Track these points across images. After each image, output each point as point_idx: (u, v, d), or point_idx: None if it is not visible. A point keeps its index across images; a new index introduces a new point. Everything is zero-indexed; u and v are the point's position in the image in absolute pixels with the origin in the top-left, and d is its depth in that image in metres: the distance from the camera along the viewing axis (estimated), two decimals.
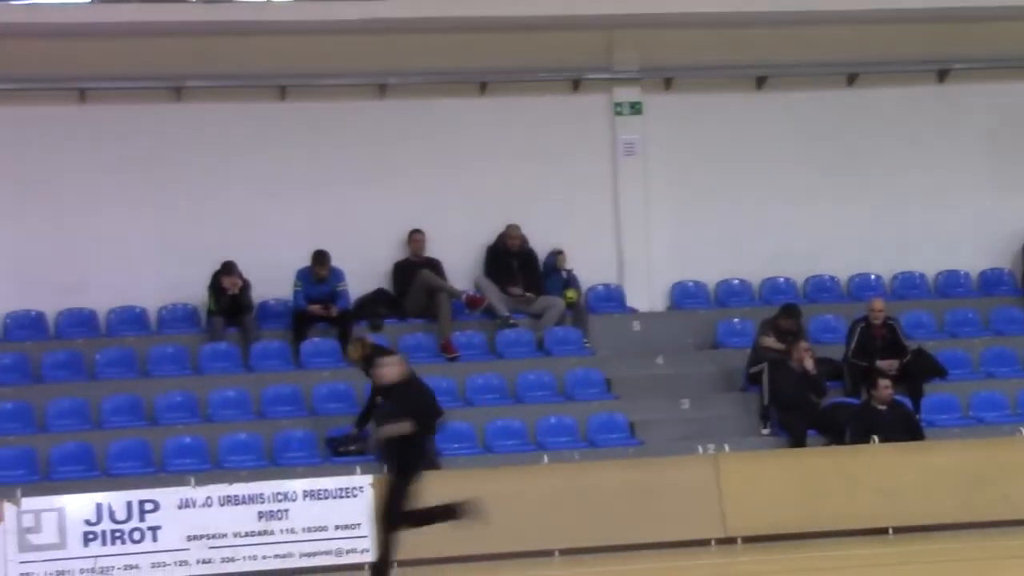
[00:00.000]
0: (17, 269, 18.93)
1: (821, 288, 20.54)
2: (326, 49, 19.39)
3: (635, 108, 20.17)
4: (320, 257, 18.87)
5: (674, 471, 16.94)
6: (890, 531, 16.81)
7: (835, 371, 19.04)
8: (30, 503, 15.82)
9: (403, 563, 15.75)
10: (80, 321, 19.05)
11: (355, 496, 16.19)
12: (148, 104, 19.29)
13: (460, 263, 19.57)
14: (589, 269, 19.95)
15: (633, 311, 20.08)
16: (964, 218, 20.58)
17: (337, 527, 16.16)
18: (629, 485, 16.69)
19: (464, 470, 17.23)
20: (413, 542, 15.40)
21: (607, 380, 19.03)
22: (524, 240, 19.67)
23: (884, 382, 18.05)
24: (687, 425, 18.48)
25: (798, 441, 18.10)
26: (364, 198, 19.60)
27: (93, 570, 15.72)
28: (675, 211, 20.26)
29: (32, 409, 17.96)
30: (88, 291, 18.95)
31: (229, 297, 18.69)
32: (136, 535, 15.82)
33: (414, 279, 19.28)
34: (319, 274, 18.86)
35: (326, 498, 16.18)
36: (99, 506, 15.91)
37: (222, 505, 16.02)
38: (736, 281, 20.41)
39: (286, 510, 16.07)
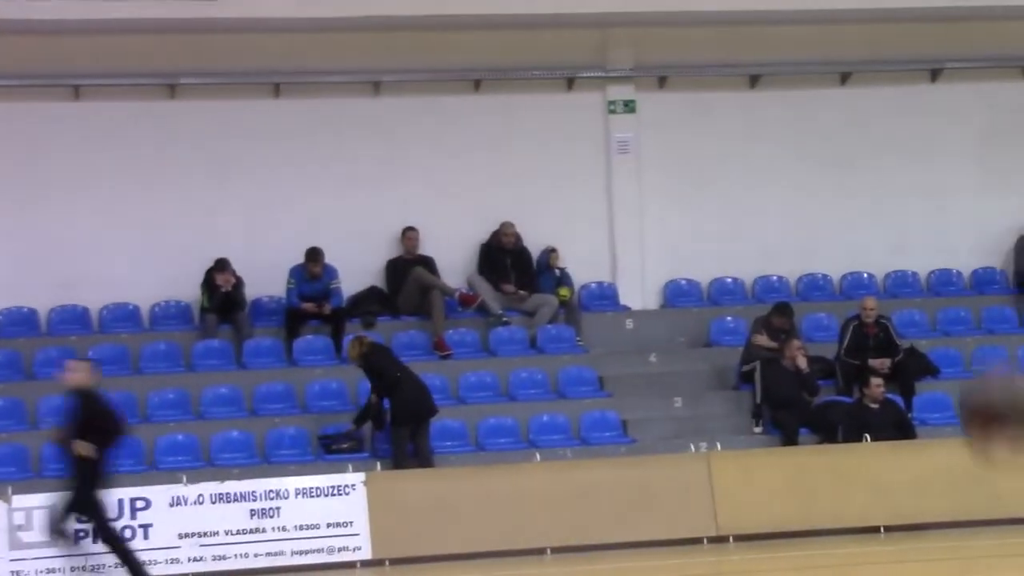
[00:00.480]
0: (10, 265, 18.79)
1: (814, 286, 20.49)
2: (321, 46, 19.26)
3: (629, 106, 20.10)
4: (313, 254, 18.79)
5: (666, 469, 16.94)
6: (882, 529, 16.76)
7: (827, 369, 18.98)
8: (21, 500, 15.72)
9: (395, 561, 16.13)
10: (73, 318, 18.93)
11: (347, 494, 16.19)
12: (142, 101, 19.18)
13: (453, 261, 19.51)
14: (582, 267, 19.88)
15: (626, 309, 20.03)
16: (957, 217, 20.51)
17: (329, 525, 16.11)
18: (621, 483, 16.68)
19: (457, 468, 17.25)
20: (404, 540, 16.02)
21: (600, 378, 18.96)
22: (518, 238, 19.58)
23: (876, 380, 18.00)
24: (680, 423, 18.43)
25: (790, 439, 18.09)
26: (358, 195, 19.50)
27: (84, 568, 15.58)
28: (668, 209, 20.17)
29: (24, 406, 17.82)
30: (81, 288, 18.85)
31: (222, 294, 18.58)
32: (127, 533, 15.65)
33: (407, 277, 19.21)
34: (312, 271, 18.78)
35: (318, 496, 16.14)
36: None
37: (214, 503, 15.96)
38: (729, 279, 20.32)
39: (278, 508, 16.02)
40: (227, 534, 15.97)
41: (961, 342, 19.90)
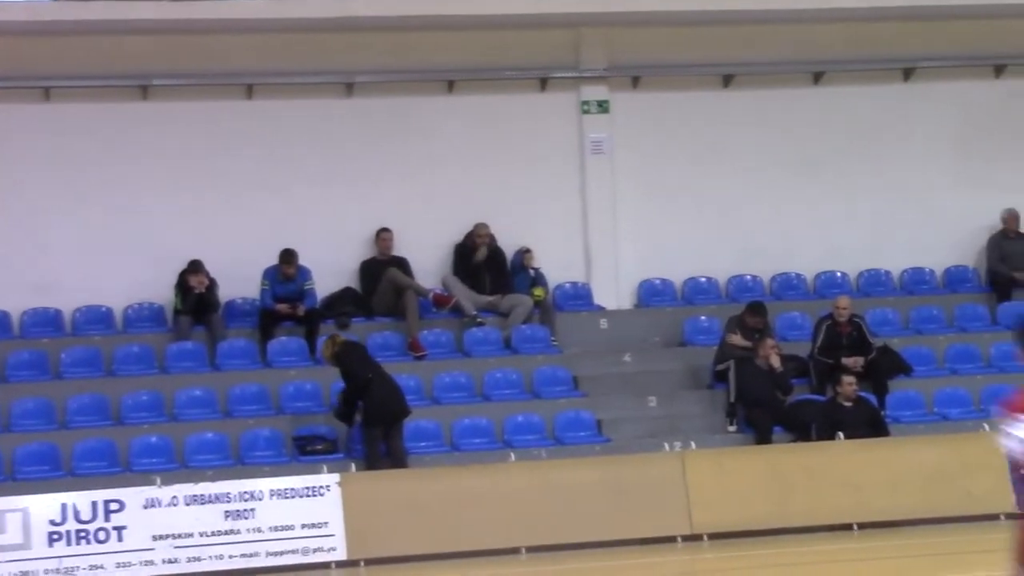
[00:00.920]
0: None
1: (788, 286, 20.55)
2: (293, 47, 19.31)
3: (602, 106, 20.13)
4: (287, 256, 18.80)
5: (641, 468, 16.96)
6: (855, 527, 16.86)
7: (801, 368, 19.05)
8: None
9: (370, 562, 16.12)
10: (46, 320, 18.93)
11: (322, 495, 16.20)
12: (114, 102, 19.15)
13: (428, 262, 19.51)
14: (556, 267, 19.90)
15: (600, 309, 20.07)
16: (930, 216, 20.57)
17: (304, 526, 16.13)
18: (596, 482, 16.73)
19: (431, 468, 17.27)
20: (379, 540, 16.06)
21: (574, 378, 19.01)
22: (492, 238, 19.59)
23: (848, 379, 18.06)
24: (654, 422, 18.45)
25: (764, 438, 18.15)
26: (331, 196, 19.50)
27: (58, 571, 15.66)
28: (642, 209, 20.21)
29: None
30: (54, 290, 18.83)
31: (196, 296, 18.57)
32: (101, 535, 15.76)
33: (381, 278, 19.22)
34: (286, 273, 18.79)
35: (293, 497, 16.16)
36: (64, 506, 15.86)
37: (188, 504, 15.97)
38: (703, 279, 20.37)
39: (252, 509, 16.03)
40: (201, 536, 15.95)
41: (934, 340, 19.95)
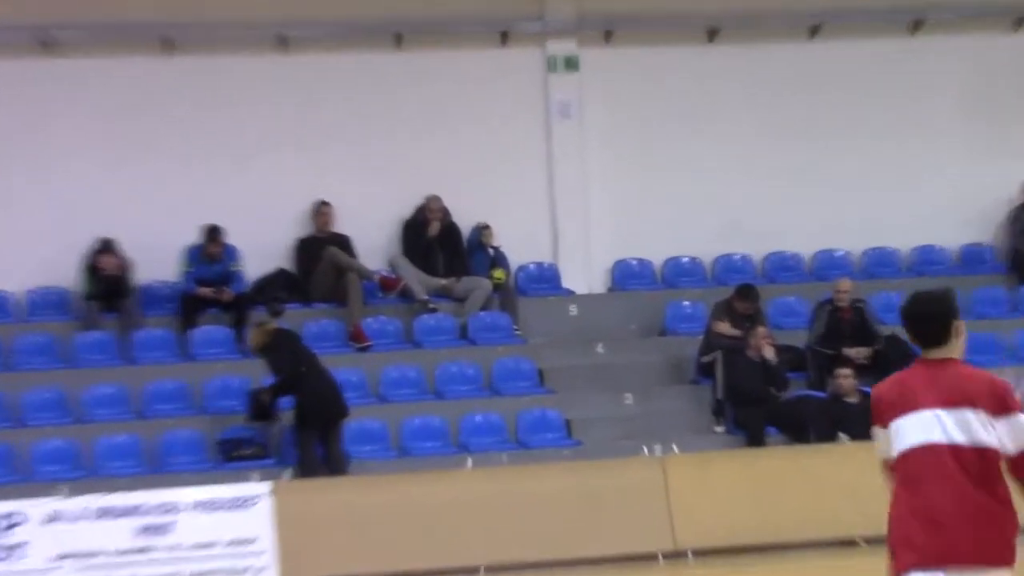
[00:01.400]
0: None
1: (782, 266, 20.22)
2: None
3: (570, 63, 19.69)
4: (212, 233, 18.36)
5: (616, 476, 16.49)
6: (861, 541, 15.86)
7: (798, 360, 18.68)
8: None
9: None
10: None
11: (251, 507, 15.67)
12: (13, 60, 18.58)
13: (373, 239, 19.11)
14: (519, 246, 19.49)
15: (569, 293, 19.71)
16: (941, 187, 20.27)
17: (230, 542, 15.63)
18: (565, 492, 16.27)
19: (376, 475, 16.88)
20: (315, 559, 15.48)
21: (540, 372, 18.65)
22: (446, 213, 19.20)
23: (844, 371, 17.72)
24: (631, 423, 18.10)
25: (756, 440, 17.79)
26: (263, 166, 19.11)
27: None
28: (616, 181, 19.85)
29: None
30: None
31: (106, 279, 18.17)
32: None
33: (320, 258, 18.81)
34: (211, 252, 18.39)
35: (217, 509, 15.68)
36: None
37: (98, 518, 15.53)
38: (685, 259, 20.06)
39: (171, 523, 15.57)
40: (113, 554, 15.49)
41: None
